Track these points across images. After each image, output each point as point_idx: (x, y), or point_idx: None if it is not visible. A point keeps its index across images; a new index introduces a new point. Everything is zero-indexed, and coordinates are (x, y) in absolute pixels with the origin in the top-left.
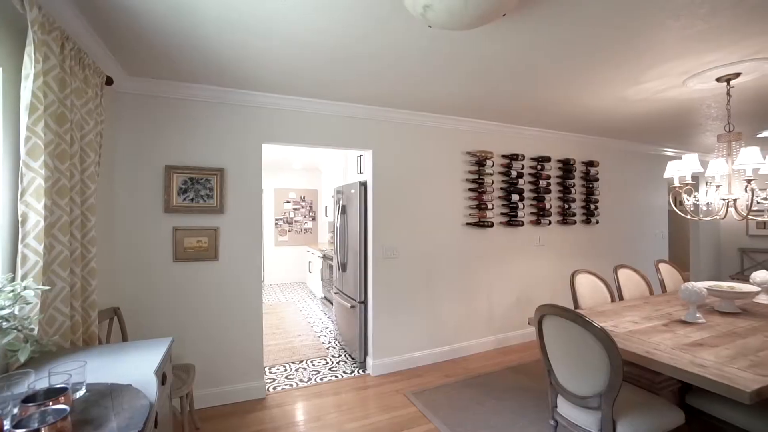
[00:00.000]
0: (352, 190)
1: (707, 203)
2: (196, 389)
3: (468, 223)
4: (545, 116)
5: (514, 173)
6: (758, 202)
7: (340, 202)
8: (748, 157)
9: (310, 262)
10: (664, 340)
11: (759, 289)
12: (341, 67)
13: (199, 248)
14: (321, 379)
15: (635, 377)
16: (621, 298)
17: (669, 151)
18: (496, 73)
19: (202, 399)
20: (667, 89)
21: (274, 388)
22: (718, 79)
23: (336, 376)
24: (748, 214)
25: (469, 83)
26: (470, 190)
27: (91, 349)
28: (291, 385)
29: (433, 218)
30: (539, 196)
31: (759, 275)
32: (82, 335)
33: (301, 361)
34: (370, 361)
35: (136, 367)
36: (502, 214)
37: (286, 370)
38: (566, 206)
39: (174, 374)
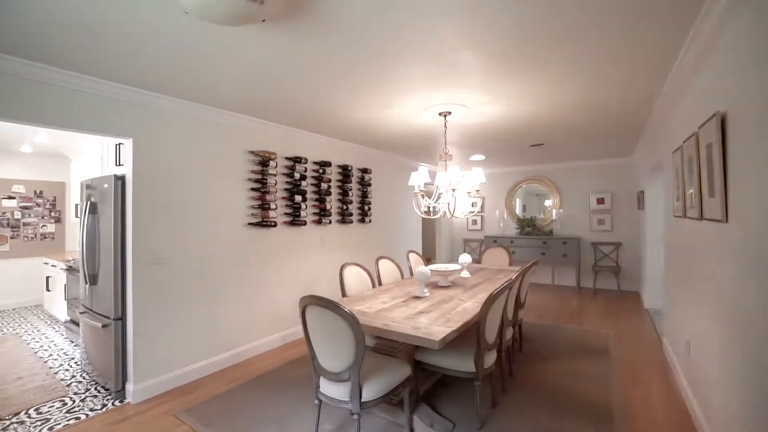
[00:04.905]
0: (105, 185)
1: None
2: None
3: (251, 223)
4: (326, 125)
5: (297, 175)
6: (472, 205)
7: (90, 199)
8: (452, 173)
9: (49, 277)
10: (399, 314)
11: (461, 266)
12: (84, 31)
13: None
14: (50, 429)
15: (382, 347)
16: (380, 284)
17: (424, 165)
18: (270, 77)
19: None
20: (412, 115)
21: None
22: (440, 114)
23: (79, 418)
24: (453, 214)
25: (245, 82)
26: (253, 189)
27: None
28: None
29: (212, 218)
30: (321, 197)
31: (462, 257)
32: None
33: (17, 414)
34: (130, 387)
35: None
36: (285, 214)
37: None
38: (345, 207)
39: None
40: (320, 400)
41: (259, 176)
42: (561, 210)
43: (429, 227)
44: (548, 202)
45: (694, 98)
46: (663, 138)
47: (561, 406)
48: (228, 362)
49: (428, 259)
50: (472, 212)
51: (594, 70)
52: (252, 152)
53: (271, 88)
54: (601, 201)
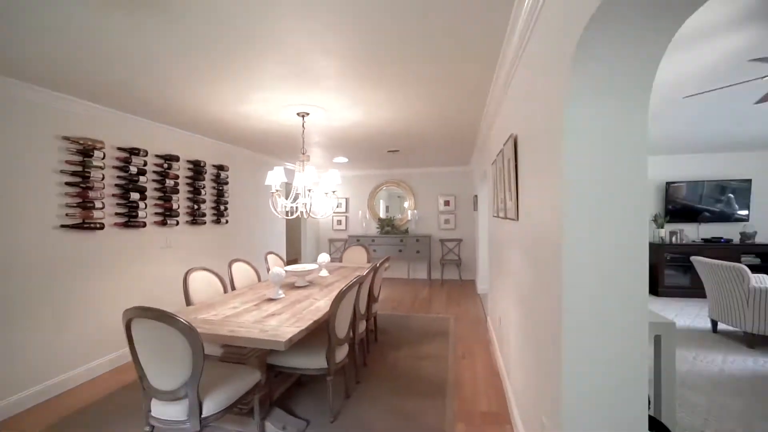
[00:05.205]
0: None
1: (301, 206)
2: None
3: (66, 225)
4: (174, 114)
5: (134, 169)
6: (337, 206)
7: None
8: (309, 174)
9: None
10: (249, 318)
11: (318, 266)
12: None
13: None
14: None
15: (231, 355)
16: (233, 289)
17: (288, 164)
18: (101, 52)
19: None
20: (271, 113)
21: None
22: (298, 114)
23: None
24: (309, 214)
25: (62, 52)
26: (70, 184)
27: None
28: None
29: (4, 219)
30: (166, 195)
31: (321, 257)
32: None
33: None
34: None
35: None
36: (117, 214)
37: None
38: (196, 207)
39: None
40: (152, 426)
41: (79, 168)
42: (416, 211)
43: (294, 228)
44: (406, 204)
45: (502, 121)
46: (486, 151)
47: (408, 388)
48: (34, 400)
49: (293, 260)
50: (327, 215)
51: (432, 90)
52: (68, 139)
53: (101, 66)
54: (447, 203)
